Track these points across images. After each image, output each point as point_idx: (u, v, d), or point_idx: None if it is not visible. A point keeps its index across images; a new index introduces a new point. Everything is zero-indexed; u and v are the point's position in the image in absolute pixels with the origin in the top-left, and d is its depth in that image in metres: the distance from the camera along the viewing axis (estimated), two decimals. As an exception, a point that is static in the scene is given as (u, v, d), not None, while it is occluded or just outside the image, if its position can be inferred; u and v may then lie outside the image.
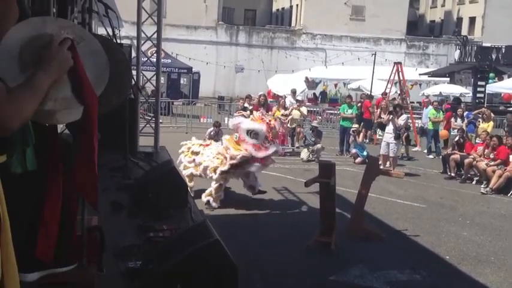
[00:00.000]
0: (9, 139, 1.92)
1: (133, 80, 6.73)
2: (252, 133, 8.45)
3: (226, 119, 20.22)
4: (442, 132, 16.92)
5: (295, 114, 15.99)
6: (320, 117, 20.99)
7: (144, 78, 9.64)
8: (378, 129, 14.84)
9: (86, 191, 2.47)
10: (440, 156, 14.70)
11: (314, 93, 30.93)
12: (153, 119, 8.92)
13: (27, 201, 2.51)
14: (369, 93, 21.83)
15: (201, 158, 8.90)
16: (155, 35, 8.55)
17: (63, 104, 2.11)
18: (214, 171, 8.60)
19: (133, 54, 10.11)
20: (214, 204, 8.55)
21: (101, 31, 8.68)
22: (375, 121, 16.65)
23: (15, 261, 1.87)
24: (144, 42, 8.82)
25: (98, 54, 2.27)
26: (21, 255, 2.25)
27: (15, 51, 1.94)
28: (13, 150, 2.13)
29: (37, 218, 2.55)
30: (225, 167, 8.48)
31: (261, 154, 8.45)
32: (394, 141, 13.06)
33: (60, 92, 2.06)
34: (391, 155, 13.10)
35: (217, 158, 8.69)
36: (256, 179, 9.16)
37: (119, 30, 6.54)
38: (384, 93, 19.36)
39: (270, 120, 8.95)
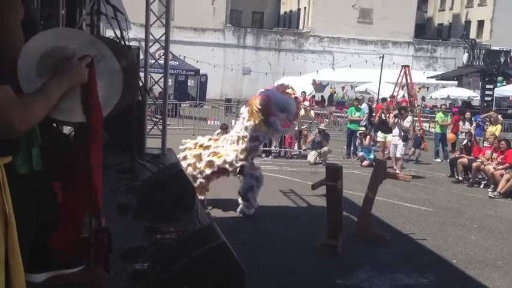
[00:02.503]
0: (15, 141, 1.93)
1: (141, 82, 6.76)
2: (282, 106, 8.01)
3: (233, 121, 20.25)
4: (450, 135, 16.86)
5: (301, 112, 15.97)
6: (327, 120, 20.97)
7: (152, 80, 9.67)
8: (378, 131, 14.81)
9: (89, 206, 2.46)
10: (448, 160, 14.65)
11: (322, 96, 30.91)
12: (161, 121, 8.94)
13: (33, 202, 2.52)
14: (375, 96, 21.80)
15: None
16: (163, 37, 8.57)
17: (67, 116, 2.15)
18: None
19: (141, 56, 10.14)
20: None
21: (109, 33, 8.73)
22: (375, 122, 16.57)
23: (21, 261, 1.89)
24: (152, 45, 8.84)
25: (114, 75, 2.30)
26: (28, 256, 2.27)
27: (37, 55, 1.99)
28: (19, 151, 2.15)
29: (44, 219, 2.57)
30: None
31: (283, 129, 8.19)
32: (402, 143, 13.04)
33: (68, 104, 2.09)
34: (397, 155, 13.08)
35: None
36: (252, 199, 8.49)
37: (127, 32, 6.57)
38: (392, 96, 19.32)
39: (294, 94, 8.54)
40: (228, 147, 8.38)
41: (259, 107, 7.96)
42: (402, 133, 13.09)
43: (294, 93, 8.50)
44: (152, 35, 8.67)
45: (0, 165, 1.79)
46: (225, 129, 14.68)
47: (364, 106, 17.92)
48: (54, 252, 2.65)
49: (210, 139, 8.90)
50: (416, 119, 16.96)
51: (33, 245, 2.54)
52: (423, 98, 27.59)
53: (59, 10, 6.26)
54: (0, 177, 1.78)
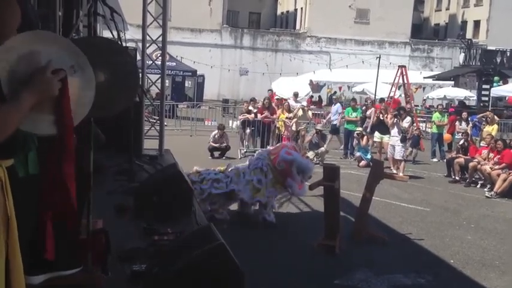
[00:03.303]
0: (15, 144, 1.94)
1: (138, 83, 6.74)
2: (302, 170, 7.94)
3: (230, 121, 20.27)
4: (446, 135, 16.89)
5: (299, 113, 16.00)
6: (324, 121, 20.97)
7: (149, 81, 9.67)
8: (375, 132, 14.84)
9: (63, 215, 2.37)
10: (445, 160, 14.68)
11: (319, 96, 30.93)
12: (158, 122, 8.95)
13: (32, 205, 2.52)
14: (372, 96, 21.81)
15: None
16: (160, 38, 8.58)
17: (35, 128, 2.13)
18: None
19: (138, 57, 10.15)
20: None
21: (106, 34, 8.73)
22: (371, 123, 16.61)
23: (21, 262, 1.89)
24: (149, 46, 8.85)
25: (88, 89, 2.26)
26: (27, 257, 2.27)
27: (14, 56, 1.95)
28: (18, 153, 2.15)
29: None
30: None
31: (298, 191, 8.10)
32: (400, 144, 13.06)
33: (36, 116, 2.06)
34: (397, 157, 13.09)
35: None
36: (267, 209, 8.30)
37: (124, 34, 6.57)
38: (389, 97, 19.34)
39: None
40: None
41: (278, 168, 7.87)
42: (401, 134, 13.09)
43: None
44: (149, 36, 8.68)
45: (3, 167, 1.79)
46: (222, 129, 14.71)
47: (338, 106, 17.95)
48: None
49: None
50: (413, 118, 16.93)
51: (31, 247, 2.54)
52: (425, 99, 27.46)
53: (56, 11, 6.25)
54: (2, 179, 1.78)
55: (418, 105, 28.52)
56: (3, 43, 1.90)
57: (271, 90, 24.52)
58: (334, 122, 17.25)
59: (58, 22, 6.19)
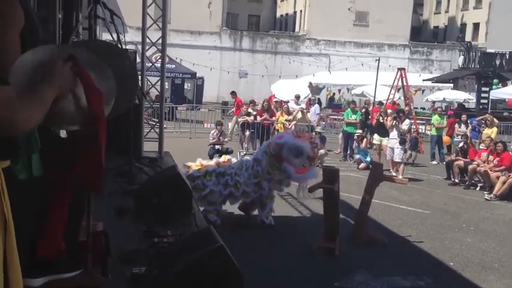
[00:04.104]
0: (14, 145, 1.94)
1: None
2: (295, 151, 7.73)
3: (229, 124, 20.26)
4: (445, 138, 16.91)
5: (298, 115, 16.02)
6: (324, 123, 20.99)
7: (149, 83, 9.68)
8: (375, 134, 14.87)
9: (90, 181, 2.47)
10: (444, 162, 14.69)
11: (318, 99, 30.95)
12: (158, 124, 8.94)
13: (32, 207, 2.52)
14: (372, 99, 21.85)
15: None
16: (160, 41, 8.58)
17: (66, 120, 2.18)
18: None
19: (138, 59, 10.15)
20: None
21: (106, 36, 8.74)
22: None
23: (19, 265, 1.89)
24: (149, 48, 8.85)
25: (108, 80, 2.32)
26: (27, 260, 2.27)
27: (29, 69, 1.99)
28: (19, 156, 2.15)
29: (42, 223, 2.57)
30: None
31: (297, 175, 7.80)
32: (400, 146, 13.07)
33: (63, 111, 2.10)
34: (396, 160, 13.09)
35: None
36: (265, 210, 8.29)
37: (124, 36, 6.58)
38: (388, 99, 19.38)
39: (311, 138, 8.37)
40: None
41: (273, 153, 7.81)
42: (400, 136, 13.10)
43: (311, 138, 8.39)
44: (149, 39, 8.68)
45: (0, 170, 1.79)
46: (220, 125, 14.73)
47: (316, 106, 18.11)
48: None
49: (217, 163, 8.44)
50: (413, 121, 16.95)
51: (31, 250, 2.54)
52: (433, 102, 27.17)
53: (56, 13, 6.25)
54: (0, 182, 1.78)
55: (425, 108, 28.54)
56: (6, 47, 1.90)
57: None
58: (312, 124, 17.29)
59: (58, 24, 6.19)
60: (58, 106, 2.03)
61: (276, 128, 15.82)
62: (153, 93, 12.76)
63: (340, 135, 17.53)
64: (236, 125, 17.75)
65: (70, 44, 2.30)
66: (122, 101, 2.96)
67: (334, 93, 31.41)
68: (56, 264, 2.68)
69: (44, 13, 6.17)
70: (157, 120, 9.26)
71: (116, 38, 5.48)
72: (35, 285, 2.62)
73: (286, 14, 47.67)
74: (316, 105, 18.54)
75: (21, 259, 1.93)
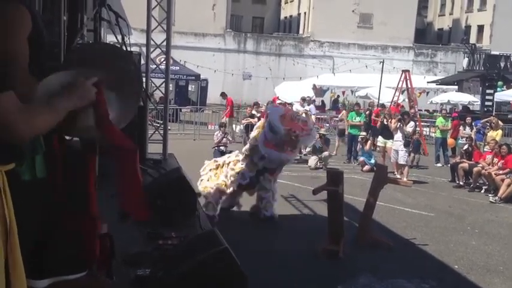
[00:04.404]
0: (17, 148, 1.94)
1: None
2: (271, 127, 8.04)
3: (233, 125, 20.27)
4: (449, 140, 16.87)
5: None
6: (328, 125, 20.98)
7: (153, 85, 9.69)
8: (379, 136, 14.87)
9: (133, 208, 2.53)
10: (449, 165, 14.65)
11: (322, 101, 30.94)
12: (162, 126, 8.95)
13: (36, 207, 2.53)
14: (376, 101, 21.82)
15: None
16: (164, 43, 8.59)
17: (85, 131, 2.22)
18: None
19: (142, 61, 10.17)
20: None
21: (110, 38, 8.75)
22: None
23: (22, 267, 1.89)
24: (153, 50, 8.86)
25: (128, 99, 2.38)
26: (31, 261, 2.27)
27: (56, 84, 2.02)
28: (24, 158, 2.16)
29: (46, 225, 2.57)
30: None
31: (266, 149, 8.05)
32: (404, 149, 13.04)
33: (82, 124, 2.15)
34: (401, 162, 13.07)
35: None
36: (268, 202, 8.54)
37: (129, 38, 6.58)
38: (393, 101, 19.36)
39: (304, 125, 8.37)
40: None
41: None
42: (405, 138, 13.08)
43: (304, 125, 8.41)
44: (153, 41, 8.69)
45: (2, 173, 1.79)
46: (224, 127, 14.76)
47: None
48: (56, 258, 2.65)
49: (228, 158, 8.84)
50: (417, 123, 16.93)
51: (36, 251, 2.54)
52: (442, 104, 27.09)
53: (61, 16, 6.28)
54: (1, 184, 1.78)
55: (429, 110, 28.47)
56: (15, 54, 1.91)
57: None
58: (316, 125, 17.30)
59: (63, 27, 6.20)
60: (77, 120, 2.06)
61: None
62: (157, 94, 12.80)
63: (337, 137, 17.56)
64: (241, 127, 17.81)
65: (97, 69, 2.30)
66: (128, 104, 2.97)
67: (338, 96, 31.39)
68: (60, 265, 2.68)
69: (48, 16, 6.19)
70: (161, 122, 9.26)
71: (120, 40, 5.49)
72: (39, 287, 2.62)
73: (290, 16, 47.69)
74: (312, 106, 18.55)
75: (25, 260, 1.93)
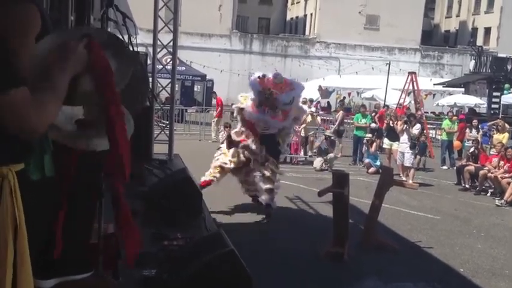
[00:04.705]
0: (27, 147, 1.94)
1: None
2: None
3: (238, 126, 20.26)
4: (455, 143, 16.81)
5: (308, 118, 16.01)
6: (333, 127, 20.93)
7: (159, 85, 9.70)
8: (385, 139, 14.84)
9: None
10: (455, 167, 14.60)
11: (328, 102, 30.89)
12: (168, 126, 8.96)
13: (44, 208, 2.53)
14: (382, 102, 21.78)
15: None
16: (171, 43, 8.60)
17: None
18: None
19: (148, 61, 10.18)
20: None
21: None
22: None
23: (30, 268, 1.89)
24: (160, 50, 8.87)
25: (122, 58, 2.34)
26: (38, 261, 2.27)
27: (43, 56, 2.00)
28: (31, 157, 2.17)
29: (54, 225, 2.58)
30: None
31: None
32: (410, 151, 13.00)
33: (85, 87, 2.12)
34: (406, 164, 13.03)
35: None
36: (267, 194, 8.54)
37: (136, 38, 6.59)
38: (399, 103, 19.32)
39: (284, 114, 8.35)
40: None
41: None
42: (411, 141, 13.05)
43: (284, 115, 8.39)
44: (160, 41, 8.70)
45: (12, 172, 1.80)
46: (228, 127, 14.74)
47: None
48: (63, 258, 2.66)
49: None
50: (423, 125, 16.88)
51: (43, 251, 2.55)
52: (451, 106, 26.93)
53: (68, 15, 6.29)
54: (12, 184, 1.78)
55: (435, 112, 28.37)
56: (23, 51, 1.92)
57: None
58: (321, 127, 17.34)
59: (70, 26, 6.21)
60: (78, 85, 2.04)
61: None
62: (163, 95, 12.79)
63: (337, 138, 17.40)
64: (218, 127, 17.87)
65: (83, 26, 2.29)
66: (133, 103, 2.97)
67: (344, 97, 31.35)
68: (67, 265, 2.68)
69: (56, 15, 6.20)
70: (167, 122, 9.27)
71: (127, 40, 5.49)
72: (46, 287, 2.62)
73: (297, 17, 47.66)
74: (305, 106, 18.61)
75: (33, 260, 1.93)
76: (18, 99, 1.68)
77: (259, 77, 8.33)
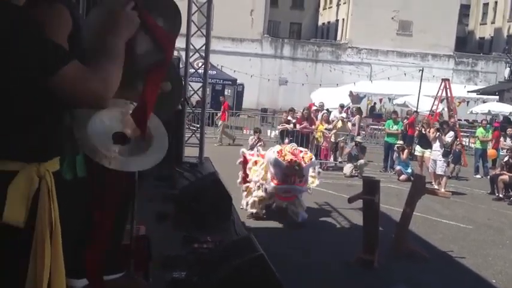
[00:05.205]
0: (59, 144, 1.96)
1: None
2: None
3: (268, 131, 20.28)
4: (490, 151, 16.46)
5: (338, 124, 15.91)
6: (364, 133, 20.77)
7: (191, 89, 9.77)
8: (417, 146, 14.63)
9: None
10: (488, 176, 14.30)
11: (359, 108, 30.61)
12: (199, 129, 9.01)
13: (76, 208, 2.56)
14: (414, 109, 21.49)
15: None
16: (203, 47, 8.66)
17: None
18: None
19: (181, 65, 10.26)
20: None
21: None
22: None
23: (63, 268, 1.91)
24: (192, 55, 8.94)
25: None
26: (70, 261, 2.30)
27: (94, 27, 2.04)
28: (60, 155, 2.20)
29: (86, 225, 2.61)
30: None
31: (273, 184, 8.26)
32: (442, 159, 12.79)
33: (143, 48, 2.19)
34: (439, 172, 12.82)
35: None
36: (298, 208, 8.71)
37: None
38: (432, 110, 19.05)
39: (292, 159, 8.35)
40: None
41: None
42: (443, 148, 12.83)
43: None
44: (192, 45, 8.77)
45: (50, 173, 1.81)
46: (258, 132, 14.76)
47: None
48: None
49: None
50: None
51: (74, 251, 2.58)
52: (493, 116, 26.31)
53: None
54: (49, 185, 1.80)
55: (469, 120, 27.87)
56: None
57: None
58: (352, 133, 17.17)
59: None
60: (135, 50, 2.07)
61: (316, 136, 15.73)
62: (194, 98, 12.87)
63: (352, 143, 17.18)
64: (276, 132, 17.82)
65: None
66: (167, 107, 3.00)
67: (375, 103, 31.05)
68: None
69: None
70: (197, 125, 9.33)
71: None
72: (78, 286, 2.66)
73: (328, 22, 47.47)
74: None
75: (65, 260, 1.95)
76: (70, 74, 1.69)
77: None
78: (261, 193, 8.52)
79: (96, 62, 1.79)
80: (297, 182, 8.35)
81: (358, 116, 18.57)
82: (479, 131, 16.70)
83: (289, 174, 8.23)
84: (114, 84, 1.80)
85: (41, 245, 1.75)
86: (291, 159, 8.23)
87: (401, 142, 15.47)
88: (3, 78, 1.66)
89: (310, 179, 8.87)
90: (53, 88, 1.69)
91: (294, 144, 9.29)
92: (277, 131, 17.58)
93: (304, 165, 8.37)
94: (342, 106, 19.15)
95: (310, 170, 8.80)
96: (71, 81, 1.69)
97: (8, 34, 1.64)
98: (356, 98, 28.15)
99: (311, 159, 8.64)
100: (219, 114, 20.33)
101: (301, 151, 8.76)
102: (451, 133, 13.57)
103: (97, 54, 1.83)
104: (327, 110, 19.14)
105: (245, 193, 8.89)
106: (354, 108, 21.40)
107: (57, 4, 2.12)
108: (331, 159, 15.84)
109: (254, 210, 8.61)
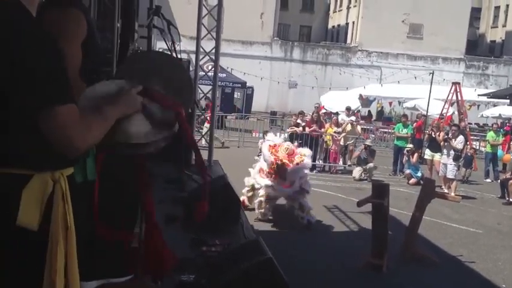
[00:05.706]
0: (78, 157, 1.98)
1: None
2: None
3: (278, 134, 20.27)
4: (506, 156, 16.30)
5: (348, 127, 15.87)
6: (373, 136, 20.72)
7: (201, 92, 9.81)
8: (427, 150, 14.56)
9: None
10: (499, 181, 14.20)
11: (369, 111, 30.57)
12: (208, 132, 9.04)
13: (87, 210, 2.58)
14: (424, 112, 21.40)
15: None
16: (213, 50, 8.70)
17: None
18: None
19: (191, 68, 10.32)
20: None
21: (160, 45, 8.91)
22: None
23: (77, 271, 1.93)
24: (202, 57, 8.98)
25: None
26: (80, 263, 2.32)
27: (96, 99, 2.06)
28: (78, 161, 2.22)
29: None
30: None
31: (266, 181, 8.27)
32: (453, 163, 12.73)
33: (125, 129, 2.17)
34: (449, 176, 12.76)
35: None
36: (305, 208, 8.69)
37: (179, 45, 6.69)
38: (441, 114, 18.95)
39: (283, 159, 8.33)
40: None
41: None
42: (453, 152, 12.77)
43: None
44: (202, 48, 8.81)
45: (64, 177, 1.83)
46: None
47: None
48: (104, 261, 2.70)
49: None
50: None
51: (85, 253, 2.60)
52: (496, 119, 26.08)
53: (114, 22, 6.43)
54: (64, 189, 1.82)
55: (486, 124, 27.67)
56: (69, 57, 1.97)
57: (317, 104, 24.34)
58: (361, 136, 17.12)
59: (116, 33, 6.36)
60: (129, 126, 2.08)
61: (325, 139, 15.71)
62: (202, 101, 12.93)
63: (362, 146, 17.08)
64: (285, 135, 17.79)
65: (141, 78, 2.32)
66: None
67: (383, 106, 30.97)
68: (108, 268, 2.73)
69: (103, 22, 6.36)
70: (207, 128, 9.35)
71: (171, 47, 5.58)
72: (87, 289, 2.67)
73: (338, 25, 47.44)
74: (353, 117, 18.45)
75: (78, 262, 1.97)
76: (64, 115, 1.70)
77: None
78: (262, 191, 8.51)
79: (90, 118, 1.83)
80: (280, 182, 8.31)
81: (462, 136, 17.91)
82: (490, 135, 16.61)
83: (271, 172, 8.24)
84: (90, 143, 1.84)
85: (55, 249, 1.77)
86: (276, 158, 8.21)
87: (411, 145, 15.41)
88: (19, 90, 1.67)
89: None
90: (39, 120, 1.68)
91: (289, 144, 9.11)
92: (286, 134, 17.57)
93: (290, 166, 8.25)
94: (348, 109, 19.12)
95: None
96: (60, 121, 1.68)
97: (21, 53, 1.64)
98: (366, 101, 28.11)
99: (302, 161, 8.43)
100: (229, 117, 20.38)
101: (297, 153, 8.62)
102: (461, 137, 13.48)
103: (88, 111, 1.87)
104: (336, 112, 19.12)
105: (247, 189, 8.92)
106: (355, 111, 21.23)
107: (73, 9, 2.15)
108: (340, 162, 15.81)
109: (262, 211, 8.59)
